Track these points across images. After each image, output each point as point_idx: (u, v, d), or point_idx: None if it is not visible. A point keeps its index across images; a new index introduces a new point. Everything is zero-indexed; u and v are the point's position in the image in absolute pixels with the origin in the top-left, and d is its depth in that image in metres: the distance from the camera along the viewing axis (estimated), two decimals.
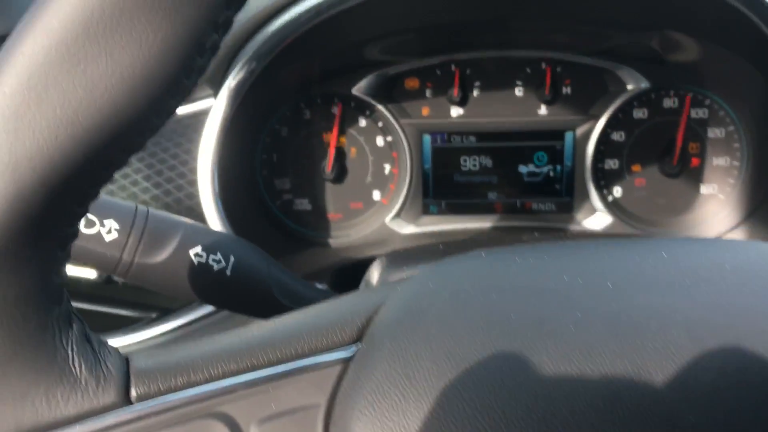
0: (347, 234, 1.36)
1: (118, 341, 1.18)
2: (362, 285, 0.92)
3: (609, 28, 1.22)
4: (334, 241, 1.36)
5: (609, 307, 0.50)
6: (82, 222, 0.69)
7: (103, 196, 0.73)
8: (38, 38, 0.44)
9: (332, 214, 1.37)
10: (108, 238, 0.69)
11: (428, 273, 0.58)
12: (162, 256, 0.71)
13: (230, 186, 1.17)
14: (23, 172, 0.44)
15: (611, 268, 0.56)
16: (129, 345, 1.19)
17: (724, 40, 1.16)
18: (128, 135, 0.47)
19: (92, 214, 0.69)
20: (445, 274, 0.57)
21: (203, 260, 0.73)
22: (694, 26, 1.15)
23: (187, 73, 0.47)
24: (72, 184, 0.46)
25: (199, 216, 1.18)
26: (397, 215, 1.36)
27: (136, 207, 0.72)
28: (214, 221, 1.14)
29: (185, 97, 0.49)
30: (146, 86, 0.46)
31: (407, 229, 1.36)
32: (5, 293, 0.46)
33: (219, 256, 0.74)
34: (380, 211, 1.36)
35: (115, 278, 0.74)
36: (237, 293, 0.75)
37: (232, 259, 0.74)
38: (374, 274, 0.88)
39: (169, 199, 1.20)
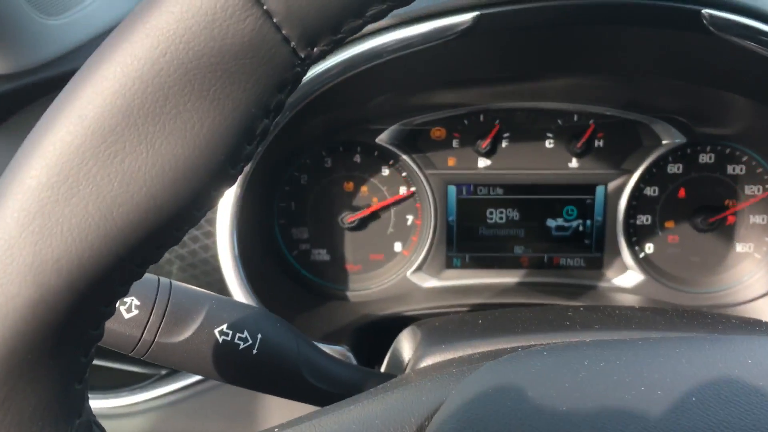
0: (367, 287, 1.31)
1: (125, 400, 1.12)
2: (391, 354, 0.86)
3: (632, 80, 1.17)
4: (352, 294, 1.30)
5: (693, 427, 0.44)
6: None
7: None
8: (71, 125, 0.39)
9: (351, 266, 1.31)
10: (128, 315, 0.64)
11: (487, 374, 0.53)
12: (185, 334, 0.66)
13: (247, 237, 1.12)
14: (48, 276, 0.39)
15: (692, 375, 0.50)
16: (137, 404, 1.13)
17: (761, 95, 1.11)
18: (166, 231, 0.42)
19: None
20: (506, 377, 0.51)
21: (228, 338, 0.67)
22: (731, 82, 1.11)
23: (234, 162, 0.42)
24: (101, 285, 0.41)
25: (215, 268, 1.12)
26: (419, 268, 1.30)
27: (159, 280, 0.67)
28: (230, 274, 1.08)
29: (230, 186, 0.44)
30: (189, 179, 0.41)
31: (429, 282, 1.30)
32: (22, 406, 0.41)
33: (246, 333, 0.68)
34: (401, 264, 1.31)
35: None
36: (264, 373, 0.70)
37: (259, 336, 0.69)
38: (405, 346, 0.82)
39: (185, 251, 1.15)
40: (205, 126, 0.41)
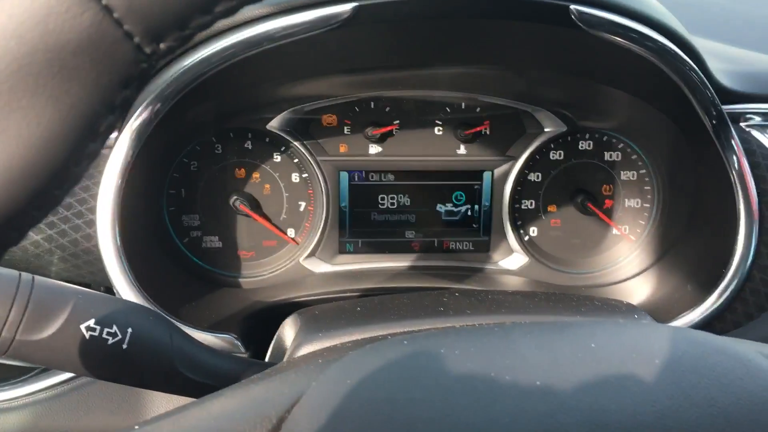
0: (259, 273, 1.30)
1: (6, 394, 1.08)
2: (275, 343, 0.87)
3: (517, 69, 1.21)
4: (245, 281, 1.30)
5: (538, 412, 0.47)
6: None
7: None
8: None
9: (244, 252, 1.30)
10: None
11: (348, 365, 0.54)
12: (48, 331, 0.64)
13: (133, 225, 1.09)
14: None
15: (538, 360, 0.53)
16: (19, 397, 1.08)
17: (638, 89, 1.18)
18: (2, 231, 0.41)
19: None
20: (365, 368, 0.53)
21: (96, 334, 0.66)
22: (607, 76, 1.17)
23: (77, 161, 0.42)
24: None
25: (98, 259, 1.09)
26: (312, 254, 1.31)
27: (20, 275, 0.65)
28: (113, 263, 1.05)
29: (74, 185, 0.43)
30: (26, 179, 0.40)
31: (322, 268, 1.31)
32: None
33: (114, 328, 0.67)
34: (294, 250, 1.31)
35: None
36: (136, 368, 0.69)
37: (129, 331, 0.68)
38: (287, 334, 0.83)
39: (65, 240, 1.11)
40: (42, 124, 0.40)
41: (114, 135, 1.06)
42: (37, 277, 0.66)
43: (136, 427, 0.53)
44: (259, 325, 1.16)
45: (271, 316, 1.19)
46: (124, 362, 0.68)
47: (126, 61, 0.41)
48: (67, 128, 0.40)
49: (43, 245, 1.11)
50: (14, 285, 0.64)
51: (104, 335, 0.66)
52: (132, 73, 0.42)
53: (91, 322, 0.66)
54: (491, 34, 1.02)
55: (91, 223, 1.10)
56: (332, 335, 0.75)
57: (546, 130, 1.29)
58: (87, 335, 0.66)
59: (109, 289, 1.06)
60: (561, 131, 1.29)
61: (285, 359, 0.75)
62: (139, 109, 0.95)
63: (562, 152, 1.32)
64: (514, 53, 1.08)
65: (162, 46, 0.42)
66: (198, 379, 0.72)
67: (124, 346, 0.67)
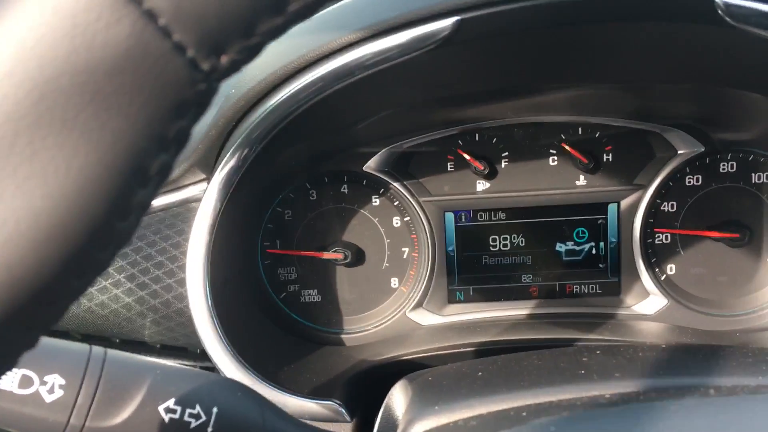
0: (362, 328, 1.19)
1: None
2: (383, 414, 0.75)
3: (632, 89, 1.06)
4: (347, 337, 1.19)
5: None
6: (13, 380, 0.53)
7: (47, 338, 0.58)
8: None
9: (344, 306, 1.20)
10: (49, 398, 0.53)
11: None
12: (122, 415, 0.55)
13: (226, 282, 1.01)
14: None
15: None
16: None
17: None
18: (32, 308, 0.31)
19: (29, 367, 0.53)
20: None
21: (176, 416, 0.56)
22: (750, 80, 1.00)
23: (122, 214, 0.32)
24: None
25: (191, 319, 1.02)
26: (419, 305, 1.19)
27: (90, 350, 0.56)
28: (205, 325, 0.97)
29: (122, 245, 0.34)
30: (59, 241, 0.31)
31: (430, 320, 1.19)
32: None
33: (198, 408, 0.57)
34: (399, 301, 1.20)
35: None
36: None
37: (215, 410, 0.58)
38: (396, 404, 0.71)
39: (157, 302, 1.05)
40: (74, 168, 0.30)
41: (202, 187, 0.99)
42: (110, 351, 0.58)
43: None
44: (363, 387, 1.04)
45: (377, 377, 1.08)
46: None
47: (178, 81, 0.31)
48: (108, 173, 0.31)
49: (134, 308, 1.05)
50: (83, 361, 0.55)
51: (186, 417, 0.57)
52: (187, 98, 0.32)
53: (171, 402, 0.56)
54: (614, 44, 0.88)
55: (183, 282, 1.03)
56: (451, 408, 0.62)
57: (679, 152, 1.12)
58: (166, 418, 0.56)
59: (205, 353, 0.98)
60: (697, 152, 1.11)
61: None
62: (226, 157, 0.87)
63: (699, 176, 1.14)
64: (639, 64, 0.94)
65: (223, 60, 0.32)
66: None
67: (209, 430, 0.57)
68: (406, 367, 1.07)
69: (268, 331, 1.15)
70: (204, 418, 0.57)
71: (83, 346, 0.57)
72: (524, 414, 0.56)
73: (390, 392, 0.75)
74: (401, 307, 1.19)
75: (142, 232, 1.05)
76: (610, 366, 0.65)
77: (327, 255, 1.17)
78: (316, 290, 1.20)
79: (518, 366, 0.68)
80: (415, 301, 1.18)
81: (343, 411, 0.95)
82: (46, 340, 0.56)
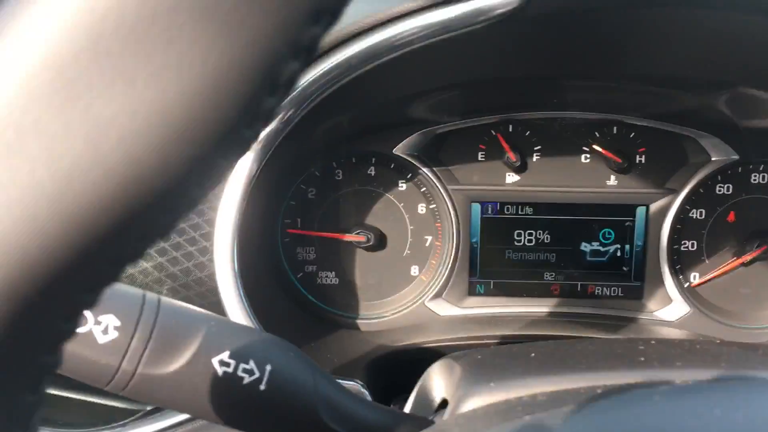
0: (379, 315, 1.17)
1: None
2: (419, 392, 0.72)
3: (676, 87, 1.05)
4: (363, 323, 1.16)
5: None
6: None
7: None
8: (10, 51, 0.26)
9: (362, 291, 1.17)
10: (103, 339, 0.50)
11: (581, 426, 0.39)
12: (176, 364, 0.52)
13: (248, 256, 0.98)
14: None
15: None
16: None
17: None
18: (150, 215, 0.29)
19: None
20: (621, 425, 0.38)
21: (230, 370, 0.53)
22: None
23: (250, 120, 0.30)
24: (56, 290, 0.28)
25: (210, 290, 0.98)
26: (438, 295, 1.17)
27: (144, 296, 0.53)
28: (230, 295, 0.94)
29: (241, 155, 0.31)
30: (186, 139, 0.28)
31: (449, 311, 1.17)
32: None
33: (252, 364, 0.54)
34: (418, 290, 1.17)
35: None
36: (273, 415, 0.56)
37: (268, 368, 0.55)
38: (438, 383, 0.68)
39: (176, 269, 1.01)
40: (211, 61, 0.28)
41: None
42: (164, 298, 0.55)
43: None
44: (383, 371, 1.02)
45: (396, 362, 1.06)
46: (261, 406, 0.55)
47: None
48: (244, 70, 0.28)
49: (152, 274, 1.01)
50: (138, 306, 0.52)
51: (240, 372, 0.54)
52: (324, 3, 0.30)
53: (225, 356, 0.53)
54: (675, 33, 0.86)
55: (205, 251, 1.00)
56: (508, 386, 0.60)
57: (713, 159, 1.11)
58: (220, 371, 0.53)
59: None
60: (731, 160, 1.11)
61: (448, 414, 0.60)
62: None
63: (730, 186, 1.13)
64: (696, 55, 0.91)
65: None
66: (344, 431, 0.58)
67: (262, 387, 0.54)
68: (425, 355, 1.05)
69: (287, 309, 1.12)
70: (257, 374, 0.54)
71: (137, 291, 0.54)
72: (599, 390, 0.53)
73: (427, 372, 0.72)
74: (420, 296, 1.17)
75: None
76: (670, 355, 0.63)
77: (349, 237, 1.14)
78: (334, 272, 1.17)
79: (573, 350, 0.66)
80: (434, 291, 1.16)
81: (366, 392, 0.92)
82: None
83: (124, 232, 0.28)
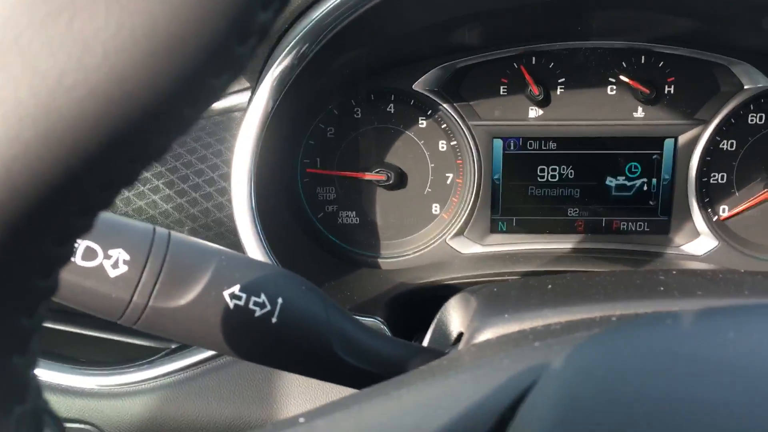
0: (401, 253, 1.16)
1: (131, 377, 0.99)
2: (436, 326, 0.72)
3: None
4: (384, 262, 1.16)
5: None
6: (78, 252, 0.50)
7: (109, 214, 0.55)
8: None
9: (383, 230, 1.17)
10: (113, 273, 0.50)
11: (597, 347, 0.38)
12: (187, 297, 0.52)
13: (267, 196, 0.98)
14: None
15: None
16: (144, 380, 1.00)
17: None
18: (141, 134, 0.28)
19: (93, 239, 0.50)
20: (625, 350, 0.37)
21: (241, 303, 0.54)
22: None
23: (242, 34, 0.29)
24: (45, 211, 0.27)
25: (230, 230, 0.99)
26: (460, 233, 1.16)
27: (154, 230, 0.53)
28: (248, 233, 0.94)
29: (235, 74, 0.30)
30: (175, 54, 0.27)
31: (471, 248, 1.16)
32: None
33: (263, 297, 0.54)
34: (440, 228, 1.16)
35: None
36: (285, 347, 0.56)
37: (279, 301, 0.55)
38: (455, 316, 0.68)
39: (195, 210, 1.02)
40: None
41: (246, 96, 0.95)
42: (174, 233, 0.54)
43: (302, 419, 0.40)
44: (403, 308, 1.02)
45: (416, 300, 1.06)
46: (272, 339, 0.55)
47: None
48: None
49: (172, 215, 1.02)
50: (148, 240, 0.52)
51: (251, 305, 0.54)
52: None
53: (236, 289, 0.53)
54: None
55: (223, 192, 1.00)
56: (522, 317, 0.59)
57: (746, 87, 1.07)
58: (231, 304, 0.53)
59: None
60: (764, 88, 1.06)
61: (463, 344, 0.60)
62: (282, 54, 0.83)
63: (763, 115, 1.09)
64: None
65: None
66: (357, 364, 0.58)
67: (274, 320, 0.54)
68: (446, 292, 1.04)
69: (308, 248, 1.12)
70: (269, 307, 0.54)
71: (147, 225, 0.53)
72: (614, 318, 0.53)
73: (445, 306, 0.72)
74: (442, 234, 1.16)
75: (181, 139, 1.01)
76: (691, 284, 0.61)
77: (369, 176, 1.13)
78: (354, 212, 1.17)
79: (591, 281, 0.65)
80: (456, 229, 1.15)
81: (385, 328, 0.92)
82: (108, 215, 0.53)
83: (113, 153, 0.27)
